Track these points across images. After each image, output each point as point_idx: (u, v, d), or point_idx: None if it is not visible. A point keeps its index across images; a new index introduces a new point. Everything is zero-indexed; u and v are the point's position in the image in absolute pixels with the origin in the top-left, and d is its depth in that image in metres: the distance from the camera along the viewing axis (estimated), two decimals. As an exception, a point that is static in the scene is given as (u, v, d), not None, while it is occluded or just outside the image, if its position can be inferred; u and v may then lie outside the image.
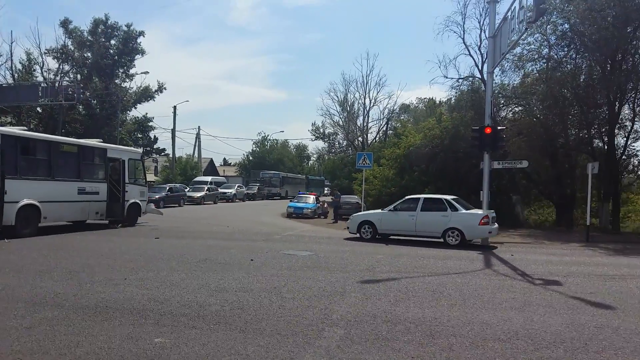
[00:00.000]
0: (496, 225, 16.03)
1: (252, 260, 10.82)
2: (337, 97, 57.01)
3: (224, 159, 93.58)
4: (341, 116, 57.18)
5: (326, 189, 64.05)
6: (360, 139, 56.76)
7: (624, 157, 26.41)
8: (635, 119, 25.42)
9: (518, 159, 21.95)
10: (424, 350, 5.09)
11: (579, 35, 22.83)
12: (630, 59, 22.95)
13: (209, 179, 47.42)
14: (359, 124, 57.06)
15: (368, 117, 56.68)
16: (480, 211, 15.59)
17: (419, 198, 16.55)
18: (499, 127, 18.14)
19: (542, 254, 14.10)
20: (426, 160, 26.52)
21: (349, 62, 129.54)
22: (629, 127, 25.56)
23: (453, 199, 16.00)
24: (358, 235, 16.63)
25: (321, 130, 64.63)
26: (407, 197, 17.09)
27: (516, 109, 28.37)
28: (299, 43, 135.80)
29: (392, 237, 16.48)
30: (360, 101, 56.29)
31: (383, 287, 8.30)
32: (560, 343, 5.45)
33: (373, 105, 58.85)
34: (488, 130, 16.66)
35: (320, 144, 70.92)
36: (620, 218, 26.12)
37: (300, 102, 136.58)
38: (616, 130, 24.51)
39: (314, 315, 6.34)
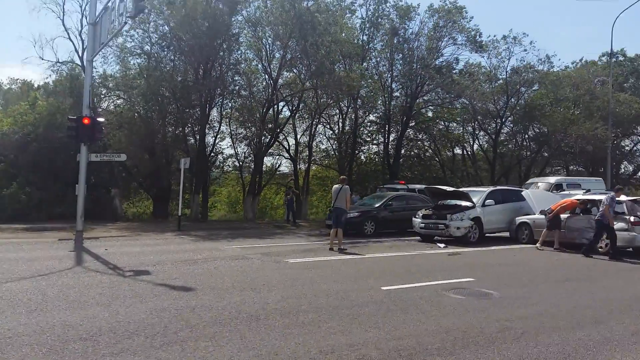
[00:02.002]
0: None
1: None
2: None
3: None
4: None
5: None
6: None
7: (212, 154, 30.27)
8: (222, 121, 29.55)
9: (118, 152, 22.06)
10: (-12, 370, 4.43)
11: (177, 39, 24.64)
12: (219, 67, 26.29)
13: None
14: None
15: None
16: None
17: None
18: (98, 119, 17.61)
19: (136, 245, 14.49)
20: (16, 149, 23.26)
21: None
22: (217, 128, 29.54)
23: None
24: None
25: None
26: None
27: (118, 101, 28.32)
28: None
29: None
30: None
31: (-60, 303, 6.76)
32: (142, 331, 5.72)
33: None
34: (86, 121, 15.94)
35: None
36: (209, 208, 29.87)
37: None
38: (207, 130, 27.78)
39: None
